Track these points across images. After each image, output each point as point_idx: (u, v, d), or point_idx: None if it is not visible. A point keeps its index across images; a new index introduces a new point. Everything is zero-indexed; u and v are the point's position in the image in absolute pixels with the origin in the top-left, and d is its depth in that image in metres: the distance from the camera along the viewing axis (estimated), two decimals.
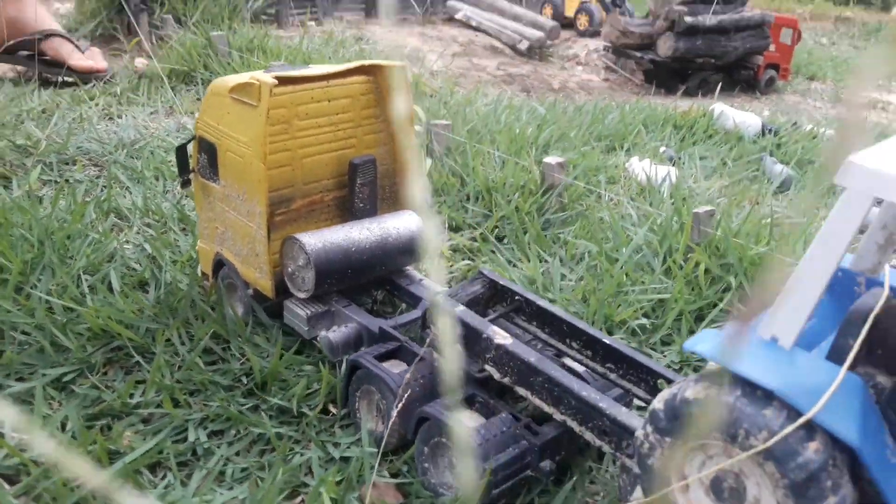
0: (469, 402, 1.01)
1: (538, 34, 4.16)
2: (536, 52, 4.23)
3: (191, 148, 1.25)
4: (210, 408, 1.07)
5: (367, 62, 1.21)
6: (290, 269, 1.17)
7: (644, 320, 1.34)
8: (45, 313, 1.19)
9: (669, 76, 4.21)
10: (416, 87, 2.94)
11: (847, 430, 0.65)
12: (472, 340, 0.98)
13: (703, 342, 0.73)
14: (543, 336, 1.08)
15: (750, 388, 0.69)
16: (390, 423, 0.98)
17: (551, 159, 1.79)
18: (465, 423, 0.94)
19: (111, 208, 1.61)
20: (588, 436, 0.89)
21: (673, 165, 2.35)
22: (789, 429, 0.66)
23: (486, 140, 2.17)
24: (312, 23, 4.09)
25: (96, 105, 2.42)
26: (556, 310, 1.07)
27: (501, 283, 1.12)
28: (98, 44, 3.34)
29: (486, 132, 2.24)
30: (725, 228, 1.54)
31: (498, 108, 2.62)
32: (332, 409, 1.09)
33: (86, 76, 2.67)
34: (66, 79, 2.64)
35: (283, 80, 1.12)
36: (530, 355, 0.94)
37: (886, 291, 0.74)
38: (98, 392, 1.09)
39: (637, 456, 0.76)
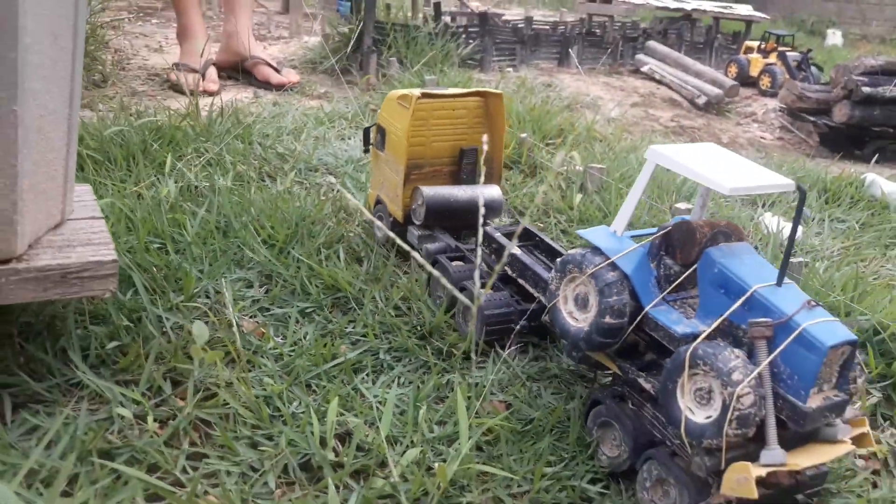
0: (494, 287, 1.67)
1: (717, 91, 4.44)
2: (714, 107, 4.52)
3: (372, 131, 2.00)
4: (395, 342, 1.61)
5: (481, 89, 1.91)
6: (413, 207, 1.89)
7: None
8: (297, 269, 1.81)
9: (845, 141, 4.30)
10: (587, 133, 3.40)
11: (627, 267, 1.27)
12: (499, 252, 1.71)
13: (590, 231, 1.38)
14: (538, 254, 1.76)
15: (594, 249, 1.32)
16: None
17: (682, 205, 2.18)
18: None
19: (342, 206, 2.24)
20: (537, 292, 1.58)
21: (807, 224, 2.61)
22: (603, 264, 1.29)
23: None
24: (510, 69, 4.69)
25: (333, 127, 3.15)
26: (546, 240, 1.73)
27: (527, 228, 1.82)
28: (336, 75, 4.16)
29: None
30: (812, 277, 1.85)
31: None
32: (472, 356, 1.60)
33: (282, 88, 3.78)
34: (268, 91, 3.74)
35: (425, 95, 1.81)
36: (525, 258, 1.62)
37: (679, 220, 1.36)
38: (326, 322, 1.67)
39: (548, 292, 1.41)
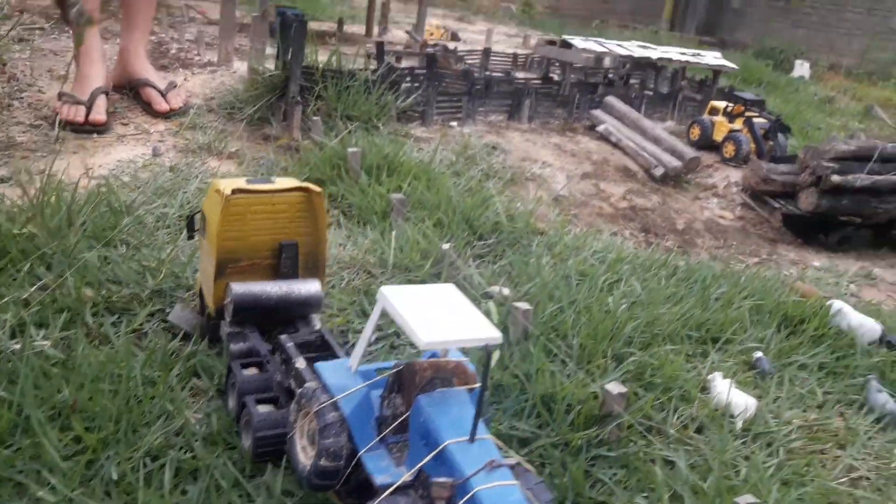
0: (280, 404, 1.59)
1: (675, 163, 4.09)
2: (671, 179, 4.17)
3: (199, 218, 1.90)
4: None
5: (303, 185, 1.82)
6: (224, 302, 1.74)
7: None
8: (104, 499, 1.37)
9: (809, 226, 4.00)
10: (526, 224, 3.00)
11: (347, 408, 1.27)
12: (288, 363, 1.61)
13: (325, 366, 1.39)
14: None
15: (324, 386, 1.32)
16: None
17: (613, 387, 1.79)
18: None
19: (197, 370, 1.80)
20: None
21: (764, 378, 2.25)
22: (325, 403, 1.28)
23: (568, 322, 2.19)
24: (455, 123, 4.26)
25: None
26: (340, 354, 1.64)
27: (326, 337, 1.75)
28: (252, 126, 3.70)
29: (570, 312, 2.26)
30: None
31: (597, 275, 2.61)
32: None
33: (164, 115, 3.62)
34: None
35: (240, 190, 1.74)
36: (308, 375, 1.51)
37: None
38: None
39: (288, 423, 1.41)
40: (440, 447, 1.14)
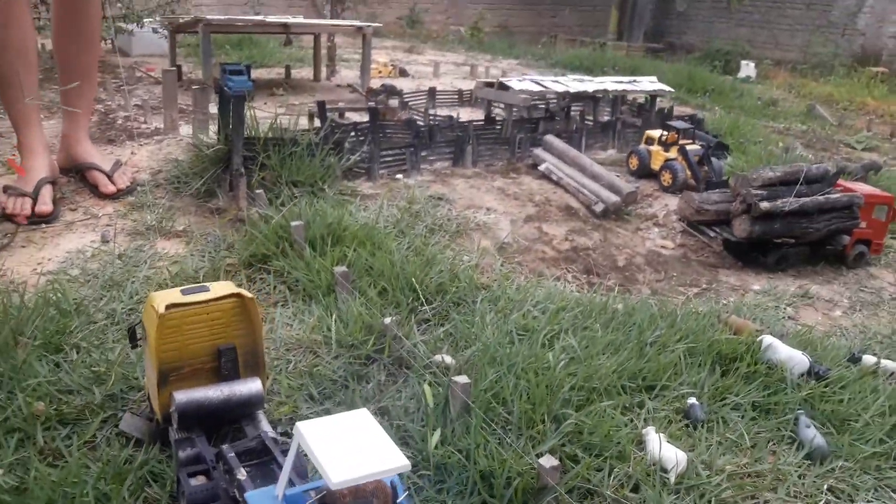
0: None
1: (614, 199, 4.24)
2: (612, 213, 4.32)
3: (140, 328, 1.99)
4: None
5: (236, 291, 1.92)
6: (169, 410, 1.85)
7: None
8: None
9: (748, 249, 4.17)
10: (470, 281, 3.11)
11: None
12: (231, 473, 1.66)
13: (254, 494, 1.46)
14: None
15: None
16: None
17: (546, 461, 1.89)
18: None
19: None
20: None
21: (696, 427, 2.38)
22: None
23: (508, 388, 2.29)
24: (401, 175, 4.37)
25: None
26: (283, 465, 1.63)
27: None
28: (200, 199, 3.77)
29: (510, 376, 2.36)
30: None
31: (538, 329, 2.72)
32: None
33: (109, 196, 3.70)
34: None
35: (173, 305, 1.83)
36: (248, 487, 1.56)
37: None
38: None
39: None
40: None
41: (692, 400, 2.50)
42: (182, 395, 1.86)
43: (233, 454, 1.74)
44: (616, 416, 2.31)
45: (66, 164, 3.82)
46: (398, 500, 1.38)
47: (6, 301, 2.44)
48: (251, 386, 1.96)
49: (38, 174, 3.44)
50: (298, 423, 1.34)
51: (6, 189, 3.41)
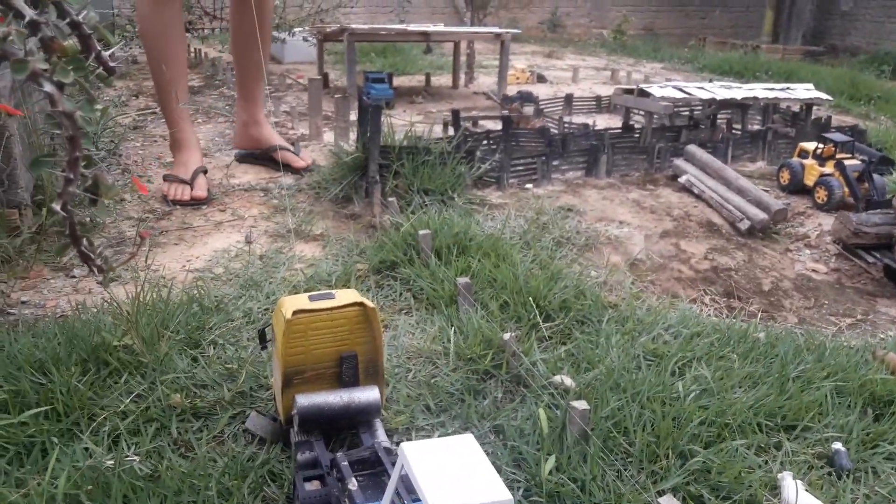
0: None
1: (761, 216, 3.96)
2: (759, 232, 4.04)
3: (269, 330, 2.05)
4: None
5: (360, 300, 1.95)
6: (291, 412, 1.90)
7: None
8: None
9: None
10: (596, 299, 3.00)
11: None
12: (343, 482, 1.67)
13: None
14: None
15: None
16: None
17: (668, 500, 1.79)
18: None
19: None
20: None
21: (841, 476, 2.16)
22: None
23: (631, 417, 2.18)
24: (530, 185, 4.32)
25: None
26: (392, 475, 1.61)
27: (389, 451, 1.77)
28: (338, 205, 3.91)
29: (633, 405, 2.25)
30: None
31: (668, 355, 2.58)
32: None
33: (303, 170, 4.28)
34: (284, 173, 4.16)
35: (300, 311, 1.88)
36: (358, 498, 1.57)
37: None
38: None
39: None
40: None
41: (838, 445, 2.27)
42: (304, 399, 1.93)
43: (346, 463, 1.77)
44: (749, 457, 2.14)
45: (248, 146, 4.41)
46: None
47: (156, 296, 2.63)
48: (370, 394, 2.00)
49: (193, 165, 3.91)
50: (403, 444, 1.33)
51: (166, 178, 3.92)
